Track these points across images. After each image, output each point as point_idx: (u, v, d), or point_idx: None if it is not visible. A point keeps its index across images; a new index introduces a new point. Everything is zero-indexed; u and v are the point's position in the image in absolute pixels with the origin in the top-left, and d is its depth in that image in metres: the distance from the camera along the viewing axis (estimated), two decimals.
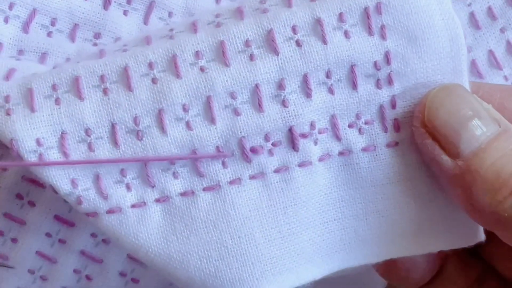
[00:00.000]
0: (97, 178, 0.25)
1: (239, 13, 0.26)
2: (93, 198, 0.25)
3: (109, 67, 0.25)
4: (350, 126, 0.27)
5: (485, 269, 0.32)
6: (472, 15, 0.35)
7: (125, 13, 0.32)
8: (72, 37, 0.32)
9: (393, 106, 0.27)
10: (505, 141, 0.25)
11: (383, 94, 0.26)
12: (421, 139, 0.26)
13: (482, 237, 0.28)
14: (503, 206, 0.24)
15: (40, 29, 0.31)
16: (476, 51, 0.35)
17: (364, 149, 0.27)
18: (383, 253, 0.28)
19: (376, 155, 0.27)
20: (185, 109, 0.25)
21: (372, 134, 0.27)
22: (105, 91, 0.25)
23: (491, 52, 0.35)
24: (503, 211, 0.24)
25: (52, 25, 0.31)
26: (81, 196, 0.25)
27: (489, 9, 0.35)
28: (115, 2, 0.32)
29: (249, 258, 0.26)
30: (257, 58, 0.25)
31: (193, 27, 0.26)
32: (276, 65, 0.26)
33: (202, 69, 0.25)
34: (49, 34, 0.31)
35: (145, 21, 0.33)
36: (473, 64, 0.35)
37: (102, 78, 0.25)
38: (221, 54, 0.25)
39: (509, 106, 0.27)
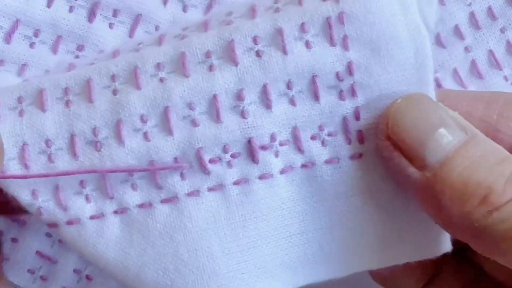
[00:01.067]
0: (56, 189, 0.25)
1: (204, 25, 0.26)
2: (52, 209, 0.25)
3: (73, 80, 0.26)
4: (312, 138, 0.26)
5: (478, 273, 0.31)
6: (472, 15, 0.35)
7: (110, 26, 0.33)
8: (54, 49, 0.32)
9: (357, 117, 0.26)
10: (472, 148, 0.24)
11: (346, 105, 0.26)
12: (386, 151, 0.25)
13: (448, 247, 0.27)
14: (472, 216, 0.23)
15: (23, 39, 0.32)
16: (476, 51, 0.35)
17: (328, 161, 0.26)
18: (349, 267, 0.27)
19: (340, 167, 0.26)
20: (143, 120, 0.25)
21: (335, 146, 0.26)
22: (67, 103, 0.26)
23: (491, 52, 0.35)
24: (473, 221, 0.23)
25: (35, 36, 0.32)
26: (41, 207, 0.25)
27: (489, 9, 0.35)
28: (100, 15, 0.33)
29: (205, 271, 0.25)
30: (216, 69, 0.25)
31: (159, 40, 0.27)
32: (235, 75, 0.25)
33: (161, 80, 0.25)
34: (32, 45, 0.32)
35: (131, 34, 0.33)
36: (473, 64, 0.35)
37: (66, 90, 0.26)
38: (181, 65, 0.25)
39: (476, 114, 0.26)
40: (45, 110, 0.25)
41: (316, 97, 0.26)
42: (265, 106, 0.25)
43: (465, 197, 0.23)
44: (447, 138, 0.24)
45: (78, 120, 0.25)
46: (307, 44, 0.25)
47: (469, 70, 0.34)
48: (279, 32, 0.25)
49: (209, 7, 0.33)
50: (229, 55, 0.25)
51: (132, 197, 0.26)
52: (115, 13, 0.33)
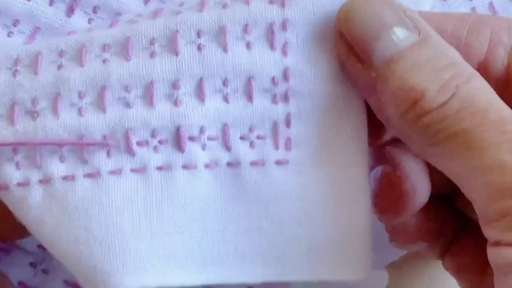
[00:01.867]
0: None
1: (153, 14, 0.27)
2: None
3: (25, 52, 0.27)
4: (241, 138, 0.26)
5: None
6: (473, 11, 0.36)
7: (89, 21, 0.34)
8: (31, 39, 0.34)
9: (288, 124, 0.26)
10: (420, 51, 0.23)
11: (278, 110, 0.26)
12: (337, 49, 0.25)
13: (367, 274, 0.27)
14: (405, 119, 0.23)
15: (2, 28, 0.34)
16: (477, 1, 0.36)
17: (253, 163, 0.26)
18: (265, 274, 0.27)
19: (265, 171, 0.26)
20: (80, 96, 0.26)
21: (263, 149, 0.26)
22: (14, 73, 0.27)
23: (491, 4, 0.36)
24: (406, 123, 0.23)
25: (14, 26, 0.34)
26: None
27: (491, 4, 0.36)
28: (80, 10, 0.34)
29: (113, 248, 0.25)
30: (157, 56, 0.26)
31: (112, 24, 0.28)
32: (173, 65, 0.26)
33: (104, 61, 0.26)
34: (9, 34, 0.34)
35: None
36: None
37: (15, 61, 0.27)
38: (124, 49, 0.26)
39: (446, 30, 0.25)
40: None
41: (250, 98, 0.26)
42: (199, 99, 0.26)
43: (399, 101, 0.23)
44: (398, 38, 0.23)
45: (20, 89, 0.26)
46: (248, 45, 0.26)
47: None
48: (223, 30, 0.26)
49: None
50: (171, 45, 0.26)
51: (58, 169, 0.26)
52: (94, 9, 0.34)
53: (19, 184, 0.26)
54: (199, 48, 0.26)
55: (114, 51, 0.26)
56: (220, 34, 0.26)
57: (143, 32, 0.26)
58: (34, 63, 0.27)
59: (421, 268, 0.35)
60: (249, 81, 0.26)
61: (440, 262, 0.31)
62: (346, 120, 0.26)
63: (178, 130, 0.26)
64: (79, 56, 0.26)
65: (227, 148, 0.26)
